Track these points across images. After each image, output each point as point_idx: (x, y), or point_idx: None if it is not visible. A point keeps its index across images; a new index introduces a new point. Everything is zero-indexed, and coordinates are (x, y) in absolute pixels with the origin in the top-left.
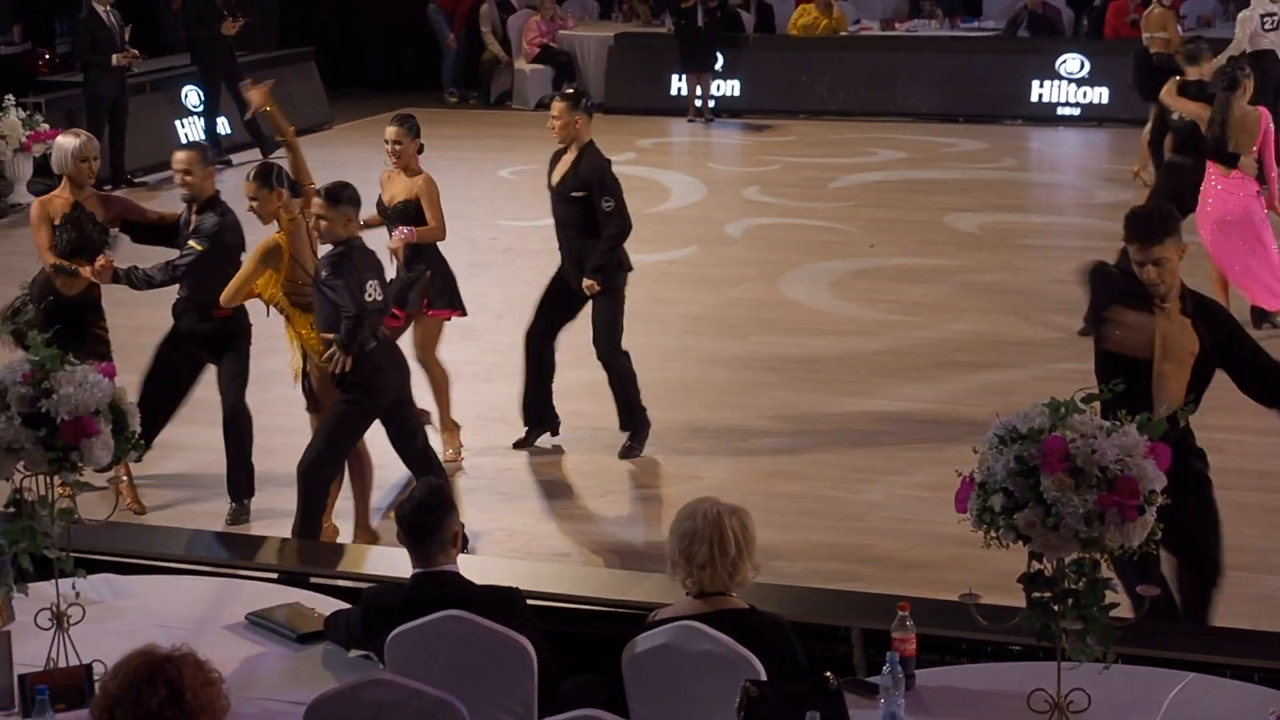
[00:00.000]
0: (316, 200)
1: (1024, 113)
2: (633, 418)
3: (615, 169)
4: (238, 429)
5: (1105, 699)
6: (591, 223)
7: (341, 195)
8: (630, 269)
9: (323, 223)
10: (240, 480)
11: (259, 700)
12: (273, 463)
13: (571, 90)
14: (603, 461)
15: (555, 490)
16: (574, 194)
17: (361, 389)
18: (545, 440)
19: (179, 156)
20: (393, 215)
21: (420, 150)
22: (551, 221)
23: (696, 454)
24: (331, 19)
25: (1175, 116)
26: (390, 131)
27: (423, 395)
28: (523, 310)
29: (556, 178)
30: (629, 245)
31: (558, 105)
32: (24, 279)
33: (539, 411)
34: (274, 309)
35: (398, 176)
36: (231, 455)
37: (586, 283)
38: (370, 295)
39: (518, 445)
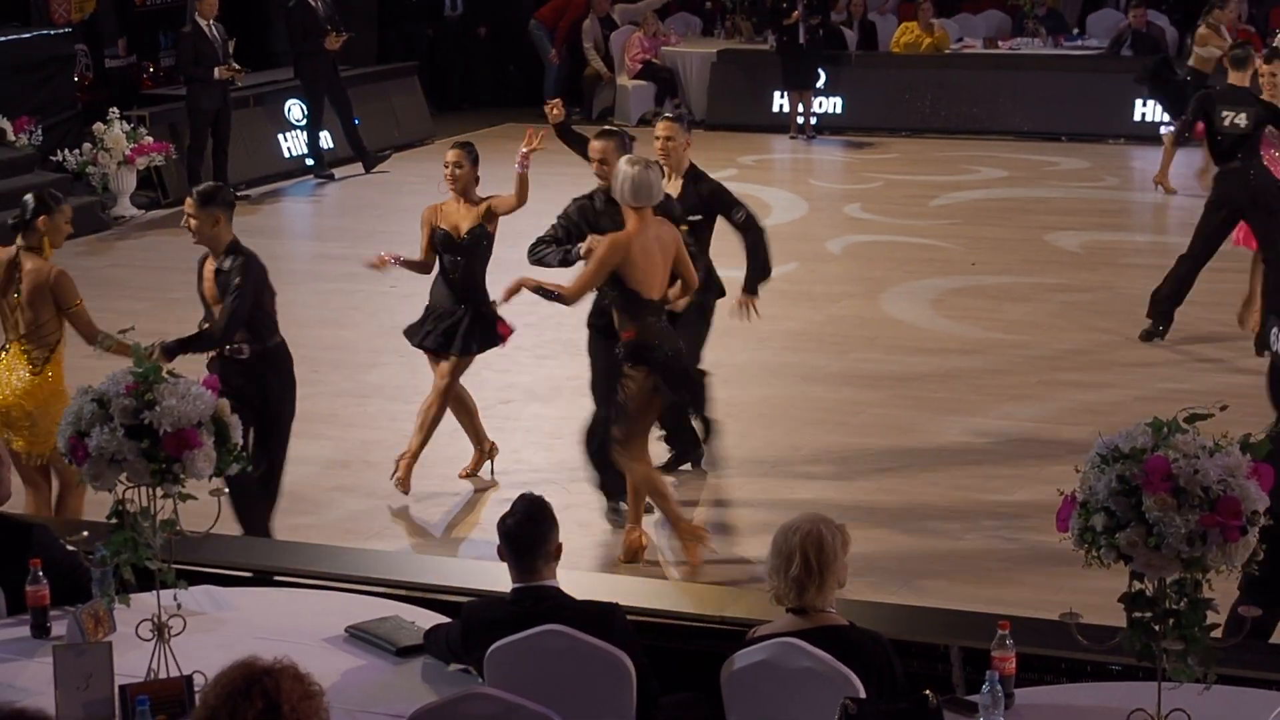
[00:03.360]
0: (189, 201)
1: (1127, 131)
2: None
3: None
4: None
5: None
6: (706, 245)
7: (216, 196)
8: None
9: (193, 221)
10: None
11: (358, 713)
12: (371, 475)
13: (675, 111)
14: (702, 478)
15: (654, 506)
16: (691, 218)
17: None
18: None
19: None
20: (466, 245)
21: (477, 181)
22: None
23: (796, 471)
24: (430, 34)
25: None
26: (451, 155)
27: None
28: None
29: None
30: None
31: (669, 125)
32: None
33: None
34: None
35: (457, 207)
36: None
37: (746, 299)
38: None
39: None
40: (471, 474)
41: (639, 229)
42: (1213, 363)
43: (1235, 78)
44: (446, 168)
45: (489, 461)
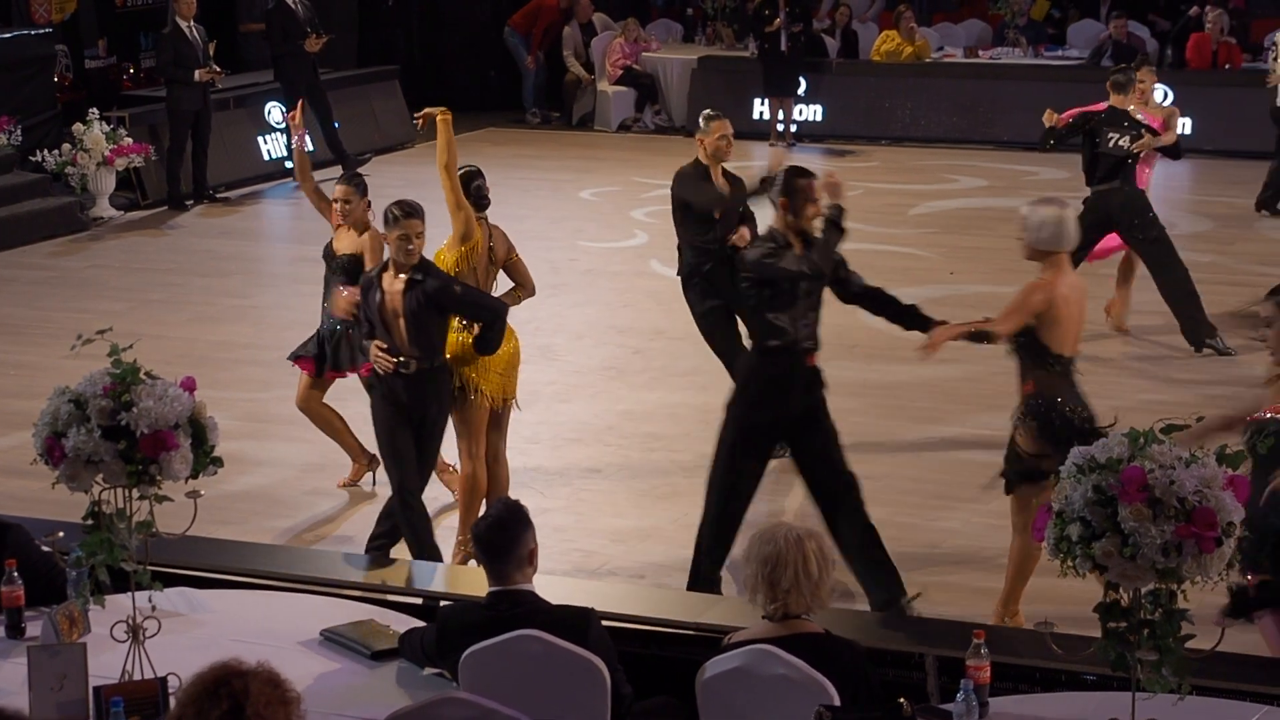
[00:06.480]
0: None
1: None
2: None
3: None
4: None
5: None
6: None
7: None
8: None
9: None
10: None
11: (332, 717)
12: (323, 477)
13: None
14: (678, 485)
15: (631, 512)
16: None
17: None
18: (616, 462)
19: None
20: (337, 268)
21: (369, 208)
22: (631, 244)
23: (775, 479)
24: (411, 38)
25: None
26: (338, 190)
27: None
28: (601, 332)
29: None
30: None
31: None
32: None
33: None
34: None
35: (346, 230)
36: None
37: None
38: None
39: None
40: (351, 484)
41: (1059, 275)
42: (1190, 374)
43: (1117, 101)
44: (336, 203)
45: (370, 474)
